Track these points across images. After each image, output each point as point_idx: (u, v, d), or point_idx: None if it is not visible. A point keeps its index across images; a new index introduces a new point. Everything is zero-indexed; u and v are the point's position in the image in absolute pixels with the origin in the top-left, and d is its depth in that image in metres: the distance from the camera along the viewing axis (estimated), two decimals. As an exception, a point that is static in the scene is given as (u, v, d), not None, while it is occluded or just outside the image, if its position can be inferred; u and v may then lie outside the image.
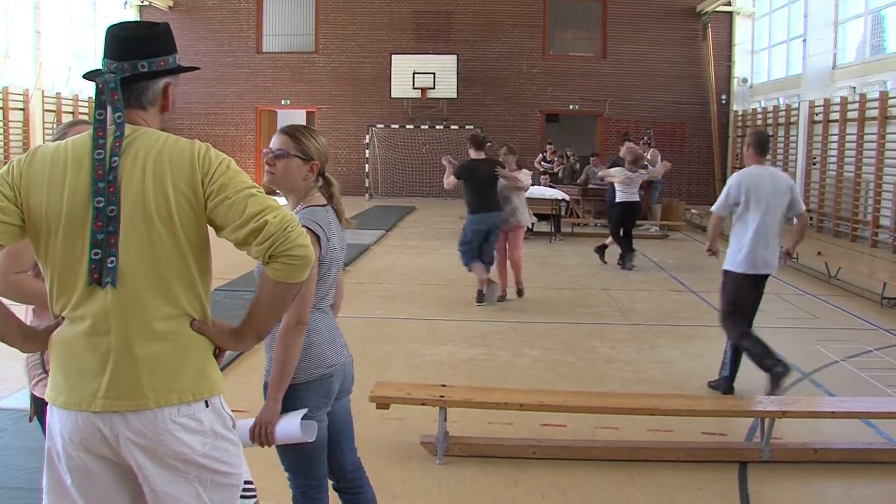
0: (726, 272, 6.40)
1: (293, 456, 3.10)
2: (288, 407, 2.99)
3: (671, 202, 18.78)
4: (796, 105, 19.79)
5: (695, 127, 25.10)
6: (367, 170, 25.03)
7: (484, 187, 9.32)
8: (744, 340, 6.23)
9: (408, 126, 24.79)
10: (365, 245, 13.82)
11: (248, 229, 2.20)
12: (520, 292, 9.87)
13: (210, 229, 2.31)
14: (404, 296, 10.05)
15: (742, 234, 6.24)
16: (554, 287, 10.91)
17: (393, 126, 24.87)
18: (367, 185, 25.01)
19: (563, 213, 16.72)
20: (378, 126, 24.98)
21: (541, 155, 20.88)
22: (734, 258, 6.32)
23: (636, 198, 12.64)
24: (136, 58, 2.30)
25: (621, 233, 12.61)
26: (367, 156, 25.02)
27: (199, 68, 2.64)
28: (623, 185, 12.45)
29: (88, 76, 2.37)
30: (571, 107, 25.39)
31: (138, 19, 2.49)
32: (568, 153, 19.85)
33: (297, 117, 26.66)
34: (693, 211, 19.50)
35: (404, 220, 18.85)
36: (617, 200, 12.53)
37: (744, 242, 6.23)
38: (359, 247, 13.50)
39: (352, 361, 3.26)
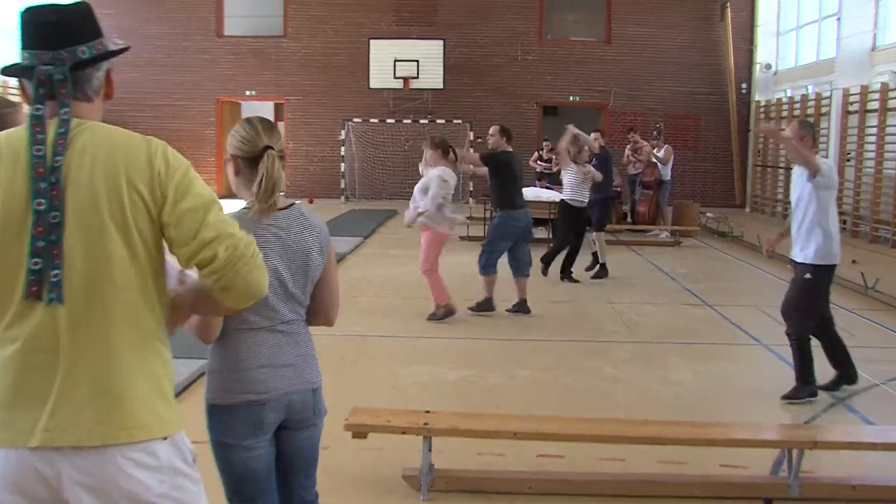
0: (823, 266, 6.70)
1: (226, 484, 3.19)
2: (215, 430, 3.11)
3: (684, 204, 18.83)
4: (828, 93, 19.79)
5: (711, 120, 25.23)
6: (342, 169, 25.04)
7: (519, 181, 10.02)
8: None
9: (388, 120, 24.82)
10: (340, 254, 13.80)
11: (197, 257, 2.25)
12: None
13: None
14: (384, 310, 10.06)
15: (835, 223, 6.70)
16: (551, 299, 10.93)
17: (371, 120, 24.89)
18: (342, 186, 25.01)
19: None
20: (355, 120, 25.01)
21: (537, 153, 20.87)
22: (835, 248, 6.71)
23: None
24: (72, 44, 2.28)
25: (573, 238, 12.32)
26: (342, 154, 25.02)
27: (129, 48, 2.69)
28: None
29: (10, 72, 2.34)
30: (572, 98, 25.50)
31: (57, 2, 2.39)
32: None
33: (264, 110, 26.63)
34: (709, 214, 19.51)
35: (385, 226, 18.85)
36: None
37: (835, 232, 6.70)
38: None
39: (306, 392, 3.22)
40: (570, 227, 12.18)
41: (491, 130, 10.12)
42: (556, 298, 11.08)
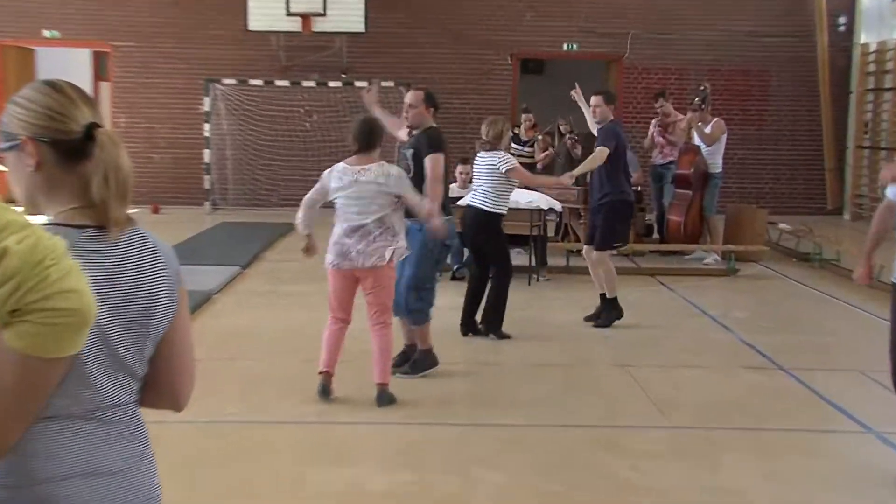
0: None
1: None
2: None
3: (742, 210, 18.87)
4: None
5: (786, 77, 25.48)
6: (206, 159, 24.92)
7: (448, 174, 10.29)
8: None
9: (279, 82, 24.75)
10: (205, 293, 13.76)
11: None
12: (383, 394, 9.41)
13: None
14: (276, 381, 10.04)
15: None
16: (535, 361, 11.02)
17: (253, 82, 24.84)
18: (207, 186, 24.90)
19: (552, 232, 16.85)
20: (225, 82, 24.96)
21: (511, 133, 20.85)
22: None
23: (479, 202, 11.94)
24: None
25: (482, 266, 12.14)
26: (206, 134, 24.89)
27: None
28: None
29: None
30: (567, 47, 25.64)
31: None
32: (560, 127, 19.80)
33: (76, 61, 26.42)
34: (783, 226, 19.58)
35: (274, 249, 18.78)
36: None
37: None
38: (193, 296, 13.39)
39: None
40: (497, 245, 12.02)
41: (411, 99, 10.12)
42: (542, 360, 11.15)
